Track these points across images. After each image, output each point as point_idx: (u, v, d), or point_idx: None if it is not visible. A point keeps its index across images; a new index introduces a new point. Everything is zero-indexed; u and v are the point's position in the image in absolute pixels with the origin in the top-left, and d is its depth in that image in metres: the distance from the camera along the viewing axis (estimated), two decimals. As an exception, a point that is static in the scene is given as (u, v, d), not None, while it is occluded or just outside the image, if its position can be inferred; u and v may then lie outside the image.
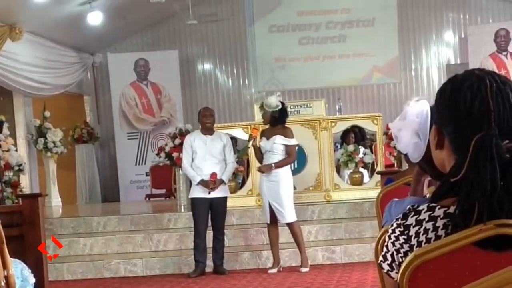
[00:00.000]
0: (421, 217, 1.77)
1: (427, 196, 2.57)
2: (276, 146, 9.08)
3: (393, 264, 1.82)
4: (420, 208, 1.79)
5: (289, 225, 9.20)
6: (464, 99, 1.77)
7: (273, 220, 9.19)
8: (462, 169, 1.72)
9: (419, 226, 1.76)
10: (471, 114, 1.75)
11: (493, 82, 1.77)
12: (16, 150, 12.16)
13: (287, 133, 9.15)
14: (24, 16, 11.84)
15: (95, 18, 13.39)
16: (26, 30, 12.01)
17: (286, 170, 9.26)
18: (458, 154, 1.78)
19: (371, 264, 8.97)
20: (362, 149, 11.87)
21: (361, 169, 11.74)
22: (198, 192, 9.29)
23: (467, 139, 1.74)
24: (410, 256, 1.71)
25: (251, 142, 9.26)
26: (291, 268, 9.33)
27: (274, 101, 9.21)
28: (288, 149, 9.15)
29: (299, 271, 9.19)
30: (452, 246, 1.68)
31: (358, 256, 9.72)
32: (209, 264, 9.43)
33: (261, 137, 9.33)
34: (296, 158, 9.52)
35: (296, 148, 9.45)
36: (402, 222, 1.80)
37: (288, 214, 9.13)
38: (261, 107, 9.33)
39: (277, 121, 9.19)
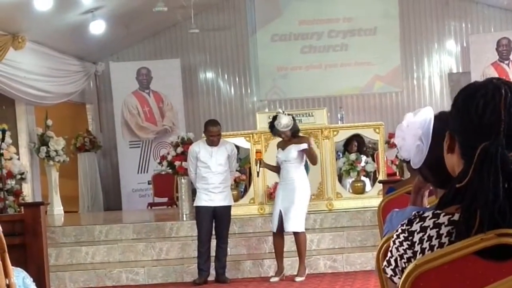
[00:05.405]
0: (425, 224, 1.78)
1: (427, 207, 2.57)
2: (291, 156, 9.14)
3: (396, 270, 1.83)
4: (425, 214, 1.80)
5: (296, 234, 9.19)
6: (476, 107, 1.77)
7: (280, 229, 9.18)
8: (467, 176, 1.73)
9: (423, 233, 1.77)
10: (481, 122, 1.75)
11: (509, 93, 1.76)
12: (19, 159, 12.18)
13: (303, 141, 9.20)
14: (27, 25, 11.86)
15: (97, 27, 13.42)
16: (29, 39, 12.03)
17: (304, 179, 9.27)
18: (465, 160, 1.78)
19: (373, 273, 8.96)
20: (364, 157, 11.87)
21: (363, 178, 11.73)
22: (203, 201, 9.30)
23: (474, 146, 1.74)
24: (411, 265, 1.72)
25: (258, 167, 9.46)
26: (294, 277, 9.31)
27: (288, 120, 9.22)
28: (306, 152, 9.18)
29: (293, 279, 9.20)
30: (453, 255, 1.68)
31: (360, 265, 9.72)
32: (211, 273, 9.43)
33: (277, 149, 9.39)
34: (317, 159, 9.48)
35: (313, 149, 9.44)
36: (407, 227, 1.81)
37: (296, 223, 9.11)
38: (274, 132, 9.33)
39: (296, 132, 9.30)
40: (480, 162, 1.71)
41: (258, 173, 9.79)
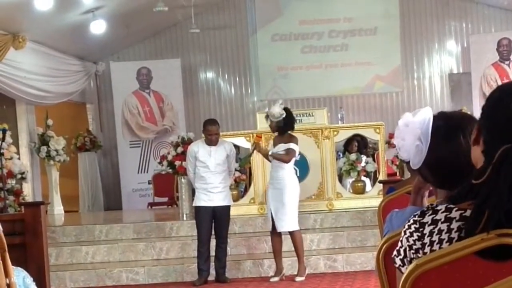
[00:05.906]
0: (437, 217, 1.79)
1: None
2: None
3: (405, 260, 1.85)
4: (438, 207, 1.81)
5: (290, 233, 9.20)
6: (506, 107, 1.76)
7: (275, 229, 9.19)
8: (485, 174, 1.73)
9: (434, 226, 1.78)
10: (508, 123, 1.75)
11: None
12: (19, 158, 12.17)
13: (290, 142, 9.17)
14: (27, 24, 11.86)
15: (98, 27, 13.42)
16: (29, 39, 12.03)
17: (292, 178, 9.25)
18: (486, 158, 1.78)
19: (373, 273, 8.95)
20: (364, 157, 11.86)
21: (363, 178, 11.73)
22: (202, 201, 9.29)
23: (497, 146, 1.73)
24: (412, 265, 1.72)
25: (252, 148, 9.38)
26: (294, 277, 9.31)
27: (277, 111, 9.20)
28: (286, 150, 9.14)
29: (293, 279, 9.20)
30: (454, 256, 1.69)
31: (360, 265, 9.71)
32: (211, 273, 9.43)
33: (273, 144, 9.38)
34: (289, 160, 9.19)
35: (296, 154, 9.34)
36: (419, 219, 1.82)
37: (288, 223, 9.11)
38: (266, 117, 9.37)
39: (283, 129, 9.21)
40: (500, 163, 1.71)
41: (252, 153, 9.71)
